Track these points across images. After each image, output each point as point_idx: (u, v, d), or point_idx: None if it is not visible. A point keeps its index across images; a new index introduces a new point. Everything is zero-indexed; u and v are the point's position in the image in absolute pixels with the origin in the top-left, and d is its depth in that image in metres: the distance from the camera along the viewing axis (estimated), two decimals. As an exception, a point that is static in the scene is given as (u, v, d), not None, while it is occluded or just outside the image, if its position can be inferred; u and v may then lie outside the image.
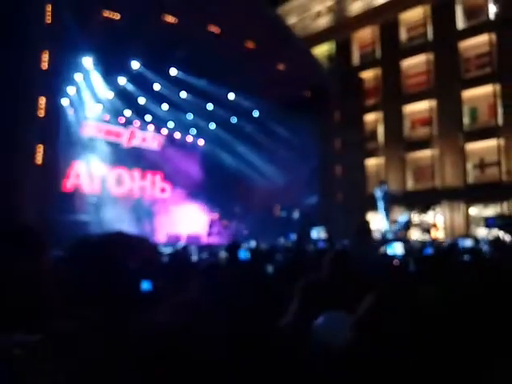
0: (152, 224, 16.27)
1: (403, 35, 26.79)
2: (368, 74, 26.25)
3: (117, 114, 16.59)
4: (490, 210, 21.57)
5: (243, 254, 5.61)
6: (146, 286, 1.36)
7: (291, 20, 30.14)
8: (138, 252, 1.36)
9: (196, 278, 2.51)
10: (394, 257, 5.65)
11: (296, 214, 16.02)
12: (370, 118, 25.68)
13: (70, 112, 14.85)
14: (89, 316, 1.20)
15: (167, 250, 7.60)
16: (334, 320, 2.29)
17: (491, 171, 22.96)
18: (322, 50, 28.51)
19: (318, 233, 13.63)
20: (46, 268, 1.66)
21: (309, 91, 15.34)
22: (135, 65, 13.91)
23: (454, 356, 1.48)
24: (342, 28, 29.16)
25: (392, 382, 1.53)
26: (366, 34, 28.53)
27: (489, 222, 14.19)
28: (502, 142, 22.25)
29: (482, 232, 17.76)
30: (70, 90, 14.20)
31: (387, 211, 14.08)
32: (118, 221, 13.79)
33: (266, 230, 14.39)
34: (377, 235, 12.44)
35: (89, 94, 14.76)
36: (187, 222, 16.82)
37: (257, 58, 13.91)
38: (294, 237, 13.79)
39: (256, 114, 16.89)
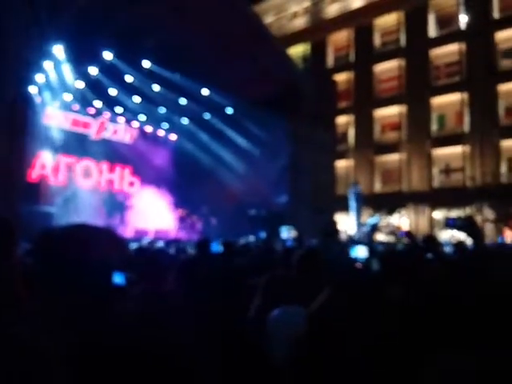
0: (123, 218, 16.01)
1: (377, 40, 27.27)
2: (341, 77, 26.59)
3: (86, 104, 16.18)
4: (454, 214, 22.25)
5: (215, 247, 5.60)
6: (118, 279, 1.32)
7: (268, 19, 30.19)
8: (103, 244, 1.31)
9: (171, 272, 2.49)
10: (356, 260, 5.71)
11: (265, 213, 16.06)
12: (341, 120, 26.02)
13: (38, 100, 14.42)
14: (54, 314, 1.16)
15: (134, 245, 7.52)
16: (288, 313, 2.31)
17: (456, 177, 23.69)
18: (297, 51, 28.69)
19: (287, 232, 13.71)
20: (15, 263, 1.59)
21: (282, 91, 15.39)
22: (108, 55, 13.62)
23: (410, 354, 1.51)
24: (317, 30, 29.44)
25: (343, 378, 1.54)
26: (340, 37, 28.90)
27: (448, 222, 14.55)
28: (467, 148, 22.97)
29: (445, 235, 18.28)
30: (39, 77, 13.79)
31: (358, 212, 14.39)
32: (87, 213, 13.51)
33: (235, 228, 14.37)
34: (344, 236, 12.62)
35: (58, 82, 14.36)
36: (155, 217, 16.63)
37: (231, 55, 13.87)
38: (263, 235, 13.82)
39: (229, 111, 16.84)
